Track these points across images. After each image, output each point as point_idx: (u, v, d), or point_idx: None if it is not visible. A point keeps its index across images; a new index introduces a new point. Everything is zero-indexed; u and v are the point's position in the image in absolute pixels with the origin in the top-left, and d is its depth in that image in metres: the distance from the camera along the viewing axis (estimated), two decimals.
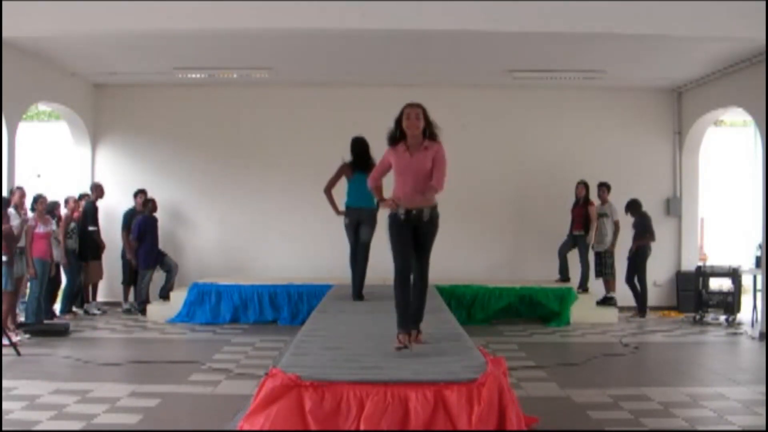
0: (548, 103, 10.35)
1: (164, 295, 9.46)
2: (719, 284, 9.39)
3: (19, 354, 6.34)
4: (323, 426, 3.17)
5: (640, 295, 9.44)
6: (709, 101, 9.70)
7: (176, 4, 7.06)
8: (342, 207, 6.84)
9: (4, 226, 6.88)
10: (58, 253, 8.36)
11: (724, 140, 12.64)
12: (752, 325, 8.51)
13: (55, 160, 11.97)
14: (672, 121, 10.46)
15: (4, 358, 5.95)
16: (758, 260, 8.68)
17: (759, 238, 8.56)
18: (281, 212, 10.26)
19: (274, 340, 7.45)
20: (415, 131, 4.18)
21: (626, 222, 9.60)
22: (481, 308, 8.74)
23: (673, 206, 10.36)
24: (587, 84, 9.84)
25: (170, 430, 4.25)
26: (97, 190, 9.52)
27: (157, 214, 9.67)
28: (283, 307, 8.70)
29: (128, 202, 9.76)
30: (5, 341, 6.45)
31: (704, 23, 7.21)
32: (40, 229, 7.81)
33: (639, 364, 6.60)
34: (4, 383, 5.18)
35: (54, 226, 8.28)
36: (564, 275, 9.35)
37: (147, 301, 9.37)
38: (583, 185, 9.41)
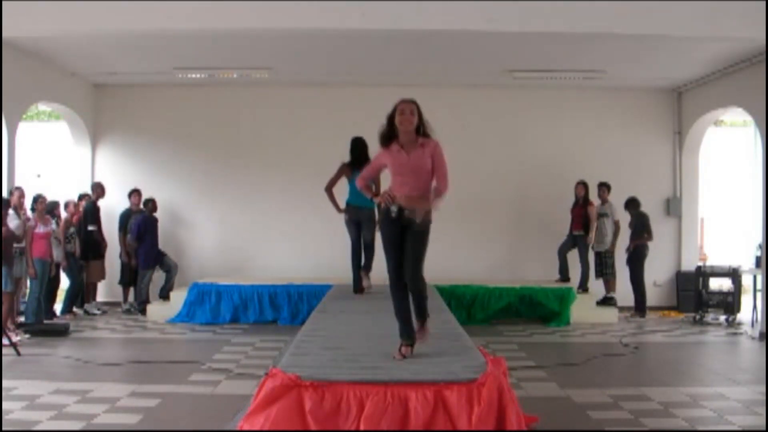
0: (548, 103, 10.36)
1: (164, 295, 9.46)
2: (719, 284, 9.40)
3: (19, 354, 6.34)
4: (323, 426, 3.17)
5: (640, 296, 9.45)
6: (709, 101, 9.70)
7: (176, 4, 7.06)
8: (343, 205, 6.96)
9: (4, 228, 6.88)
10: (58, 253, 8.36)
11: (724, 140, 12.65)
12: (752, 325, 8.51)
13: (55, 160, 11.97)
14: (672, 121, 10.46)
15: (4, 358, 5.95)
16: (758, 260, 8.68)
17: (759, 238, 8.56)
18: (281, 212, 10.26)
19: (274, 340, 7.45)
20: (408, 127, 3.99)
21: (626, 221, 9.62)
22: (481, 308, 8.74)
23: (673, 206, 10.36)
24: (587, 84, 9.85)
25: (170, 430, 4.25)
26: (98, 190, 9.51)
27: (157, 214, 9.67)
28: (283, 307, 8.71)
29: (127, 202, 9.76)
30: (5, 341, 6.45)
31: (704, 23, 7.21)
32: (40, 230, 7.82)
33: (639, 364, 6.60)
34: (4, 383, 5.18)
35: (54, 226, 8.28)
36: (564, 275, 9.36)
37: (147, 301, 9.37)
38: (583, 185, 9.42)
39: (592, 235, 9.31)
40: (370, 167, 4.34)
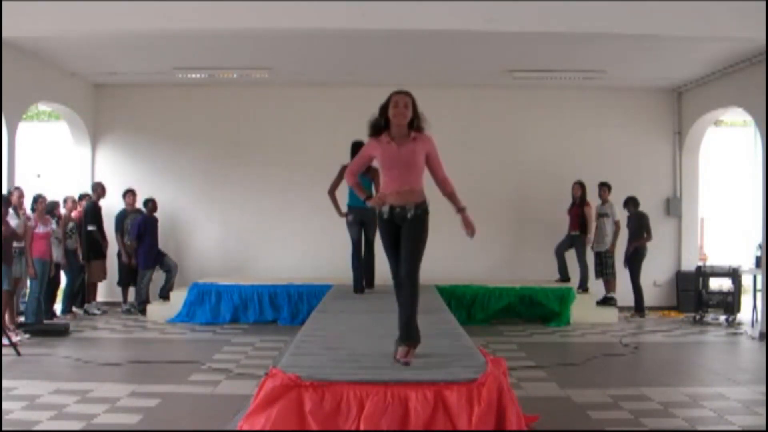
0: (548, 103, 10.36)
1: (164, 295, 9.46)
2: (719, 284, 9.40)
3: (19, 354, 6.34)
4: (323, 426, 3.17)
5: (638, 296, 9.45)
6: (709, 101, 9.71)
7: (176, 4, 7.06)
8: (344, 208, 7.00)
9: (4, 229, 6.88)
10: (57, 253, 8.36)
11: (724, 140, 12.65)
12: (752, 325, 8.51)
13: (55, 160, 11.98)
14: (672, 121, 10.46)
15: (4, 358, 5.95)
16: (758, 260, 8.68)
17: (759, 238, 8.56)
18: (281, 212, 10.26)
19: (274, 340, 7.45)
20: (402, 121, 3.82)
21: (625, 220, 9.63)
22: (481, 308, 8.74)
23: (673, 206, 10.37)
24: (587, 84, 9.85)
25: (170, 430, 4.25)
26: (99, 190, 9.51)
27: (157, 214, 9.67)
28: (283, 307, 8.70)
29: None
30: (5, 341, 6.45)
31: (704, 23, 7.21)
32: (40, 229, 7.82)
33: (639, 364, 6.60)
34: (4, 383, 5.18)
35: (54, 226, 8.29)
36: (564, 275, 9.35)
37: (147, 301, 9.37)
38: (579, 185, 9.41)
39: (591, 235, 9.31)
40: (359, 158, 4.12)
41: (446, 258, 9.72)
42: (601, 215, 9.53)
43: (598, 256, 9.56)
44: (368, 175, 6.38)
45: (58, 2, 7.11)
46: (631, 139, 10.38)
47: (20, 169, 8.36)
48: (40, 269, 7.68)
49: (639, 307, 9.42)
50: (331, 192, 7.04)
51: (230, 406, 4.53)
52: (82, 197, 9.51)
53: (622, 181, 9.73)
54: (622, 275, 9.54)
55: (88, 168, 10.32)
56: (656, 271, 10.02)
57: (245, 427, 3.22)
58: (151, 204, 9.60)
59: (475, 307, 8.74)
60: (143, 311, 9.18)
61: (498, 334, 7.94)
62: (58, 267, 8.54)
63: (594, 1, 7.11)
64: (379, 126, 3.91)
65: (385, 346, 4.02)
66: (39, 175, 11.87)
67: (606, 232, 9.46)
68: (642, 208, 9.58)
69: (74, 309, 9.09)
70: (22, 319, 7.87)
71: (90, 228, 9.22)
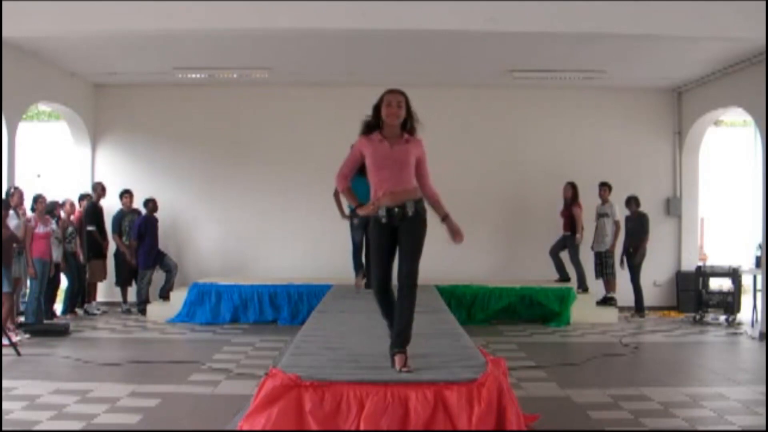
0: (548, 103, 10.35)
1: (164, 295, 9.46)
2: (719, 284, 9.40)
3: (19, 354, 6.34)
4: (323, 426, 3.17)
5: (638, 295, 9.45)
6: (709, 101, 9.70)
7: (176, 4, 7.06)
8: (347, 210, 7.00)
9: (4, 230, 6.87)
10: (57, 253, 8.36)
11: (724, 140, 12.65)
12: (752, 325, 8.51)
13: (55, 160, 11.97)
14: (672, 121, 10.46)
15: (4, 358, 5.95)
16: (758, 260, 8.68)
17: (759, 238, 8.56)
18: (281, 212, 10.26)
19: (274, 340, 7.45)
20: (395, 121, 3.72)
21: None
22: (481, 308, 8.74)
23: (673, 206, 10.37)
24: (587, 84, 9.85)
25: (170, 430, 4.25)
26: (99, 190, 9.51)
27: (157, 214, 9.67)
28: (283, 307, 8.70)
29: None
30: (5, 341, 6.45)
31: (704, 23, 7.21)
32: (40, 230, 7.82)
33: (639, 364, 6.60)
34: (4, 383, 5.17)
35: (54, 226, 8.28)
36: (563, 275, 9.35)
37: (147, 301, 9.37)
38: (570, 186, 9.40)
39: (579, 235, 9.25)
40: (350, 159, 3.90)
41: (446, 258, 9.67)
42: (601, 215, 9.53)
43: (598, 256, 9.56)
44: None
45: (58, 2, 7.10)
46: (631, 139, 10.38)
47: (20, 169, 8.36)
48: (40, 269, 7.68)
49: (639, 307, 9.42)
50: (336, 194, 7.04)
51: (230, 406, 4.53)
52: (82, 197, 9.51)
53: (622, 181, 9.73)
54: (622, 275, 9.54)
55: (88, 168, 10.32)
56: (656, 271, 10.02)
57: (245, 427, 3.22)
58: (151, 204, 9.60)
59: (475, 307, 8.74)
60: (143, 311, 9.18)
61: (498, 334, 7.94)
62: (58, 267, 8.54)
63: (594, 1, 7.11)
64: (373, 126, 3.80)
65: (385, 346, 4.01)
66: (39, 175, 11.87)
67: (606, 232, 9.46)
68: (642, 208, 9.59)
69: (75, 309, 9.08)
70: (22, 319, 7.87)
71: (89, 228, 9.22)
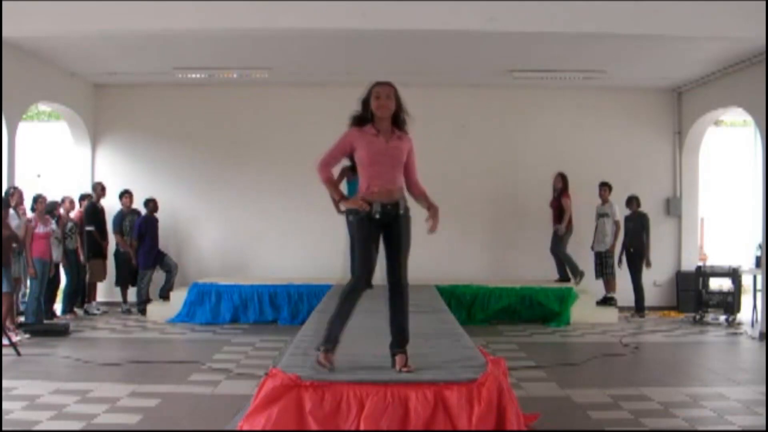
0: (548, 103, 10.36)
1: (164, 295, 9.46)
2: (719, 284, 9.39)
3: (19, 354, 6.34)
4: (323, 426, 3.17)
5: (639, 295, 9.45)
6: (709, 101, 9.71)
7: (176, 4, 7.06)
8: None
9: (4, 231, 6.88)
10: (57, 253, 8.36)
11: (724, 140, 12.65)
12: (752, 325, 8.51)
13: (55, 160, 11.97)
14: (672, 121, 10.47)
15: (4, 358, 5.95)
16: (758, 260, 8.68)
17: (759, 238, 8.56)
18: (281, 212, 10.26)
19: (274, 340, 7.45)
20: (386, 113, 3.62)
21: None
22: (481, 308, 8.74)
23: (673, 206, 10.37)
24: (587, 84, 9.85)
25: (170, 430, 4.25)
26: (98, 190, 9.51)
27: (158, 214, 9.67)
28: (283, 307, 8.71)
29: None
30: (5, 341, 6.45)
31: (704, 23, 7.21)
32: (40, 229, 7.82)
33: (639, 364, 6.60)
34: (4, 383, 5.17)
35: (54, 226, 8.29)
36: (563, 275, 9.35)
37: (147, 301, 9.37)
38: (560, 176, 9.38)
39: (563, 225, 9.20)
40: (336, 149, 3.76)
41: (446, 258, 9.74)
42: (601, 215, 9.53)
43: (598, 256, 9.56)
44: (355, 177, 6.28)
45: (58, 2, 7.10)
46: (631, 139, 10.38)
47: (20, 169, 8.36)
48: (40, 269, 7.68)
49: (639, 307, 9.42)
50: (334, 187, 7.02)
51: (230, 406, 4.52)
52: (83, 197, 9.51)
53: (622, 181, 9.73)
54: (622, 275, 9.54)
55: (88, 168, 10.32)
56: (656, 271, 10.00)
57: (245, 427, 3.22)
58: (151, 204, 9.59)
59: (475, 307, 8.74)
60: (143, 311, 9.18)
61: (498, 334, 7.94)
62: (58, 267, 8.54)
63: (594, 1, 7.11)
64: (365, 119, 3.69)
65: (385, 346, 4.01)
66: (39, 175, 11.87)
67: (606, 232, 9.46)
68: (642, 208, 9.59)
69: (74, 309, 9.08)
70: (22, 319, 7.87)
71: (88, 228, 9.22)
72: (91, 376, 5.63)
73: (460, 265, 9.76)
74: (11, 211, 7.23)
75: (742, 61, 8.31)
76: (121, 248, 9.56)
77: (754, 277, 8.85)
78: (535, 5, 7.08)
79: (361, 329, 4.88)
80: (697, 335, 8.18)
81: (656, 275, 10.09)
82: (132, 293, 9.68)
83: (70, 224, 8.89)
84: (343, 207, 3.75)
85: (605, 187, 9.54)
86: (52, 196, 8.74)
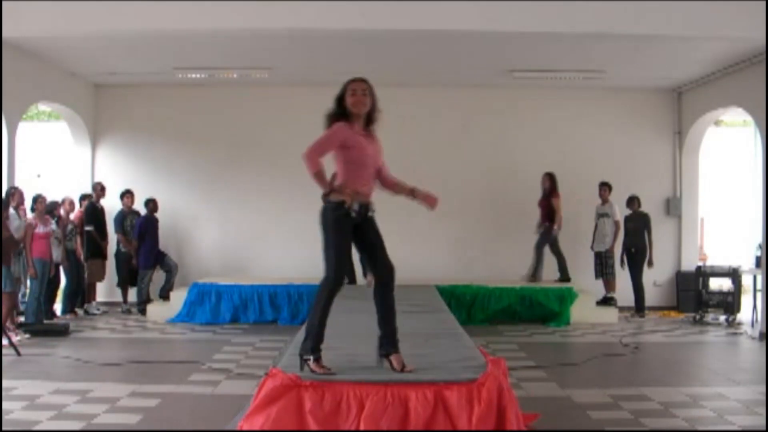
0: (548, 103, 10.36)
1: (164, 295, 9.46)
2: (719, 284, 9.39)
3: (19, 354, 6.34)
4: (323, 426, 3.17)
5: (639, 295, 9.45)
6: (709, 101, 9.71)
7: (176, 4, 7.06)
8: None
9: (4, 232, 6.87)
10: (57, 253, 8.36)
11: (724, 140, 12.65)
12: (752, 325, 8.51)
13: (55, 160, 11.97)
14: (672, 121, 10.47)
15: (4, 358, 5.95)
16: (758, 260, 8.68)
17: (759, 238, 8.56)
18: (281, 212, 10.25)
19: (274, 340, 7.45)
20: (362, 110, 3.62)
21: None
22: (481, 308, 8.74)
23: (673, 206, 10.37)
24: (587, 84, 9.85)
25: (170, 430, 4.25)
26: (98, 190, 9.51)
27: (158, 214, 9.67)
28: (283, 307, 8.71)
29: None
30: (5, 341, 6.45)
31: (704, 23, 7.21)
32: (40, 229, 7.82)
33: (639, 364, 6.60)
34: (4, 383, 5.18)
35: (54, 226, 8.29)
36: (563, 275, 9.34)
37: (147, 301, 9.37)
38: (548, 176, 9.37)
39: (556, 225, 9.19)
40: (326, 142, 3.65)
41: (446, 258, 9.73)
42: (601, 215, 9.54)
43: (598, 256, 9.56)
44: None
45: (58, 2, 7.11)
46: (631, 139, 10.38)
47: (20, 169, 8.37)
48: (40, 269, 7.68)
49: (639, 307, 9.42)
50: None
51: (230, 406, 4.53)
52: (83, 198, 9.50)
53: (622, 181, 9.73)
54: (622, 275, 9.54)
55: (88, 168, 10.32)
56: (656, 271, 10.00)
57: (245, 427, 3.23)
58: (151, 204, 9.59)
59: (475, 307, 8.73)
60: (143, 311, 9.18)
61: (498, 334, 7.94)
62: (58, 267, 8.54)
63: (594, 1, 7.11)
64: (341, 117, 3.66)
65: None
66: (39, 175, 11.88)
67: (606, 232, 9.46)
68: (642, 208, 9.58)
69: (75, 309, 9.08)
70: (22, 319, 7.87)
71: (87, 228, 9.21)
72: (91, 376, 5.63)
73: (460, 265, 9.75)
74: (12, 211, 7.23)
75: (742, 61, 8.31)
76: (124, 248, 9.56)
77: (754, 277, 8.85)
78: (535, 5, 7.09)
79: (362, 329, 4.88)
80: (697, 335, 8.18)
81: (656, 275, 10.09)
82: (132, 293, 9.68)
83: (70, 226, 8.89)
84: (333, 199, 3.61)
85: (605, 187, 9.54)
86: (52, 196, 8.74)
